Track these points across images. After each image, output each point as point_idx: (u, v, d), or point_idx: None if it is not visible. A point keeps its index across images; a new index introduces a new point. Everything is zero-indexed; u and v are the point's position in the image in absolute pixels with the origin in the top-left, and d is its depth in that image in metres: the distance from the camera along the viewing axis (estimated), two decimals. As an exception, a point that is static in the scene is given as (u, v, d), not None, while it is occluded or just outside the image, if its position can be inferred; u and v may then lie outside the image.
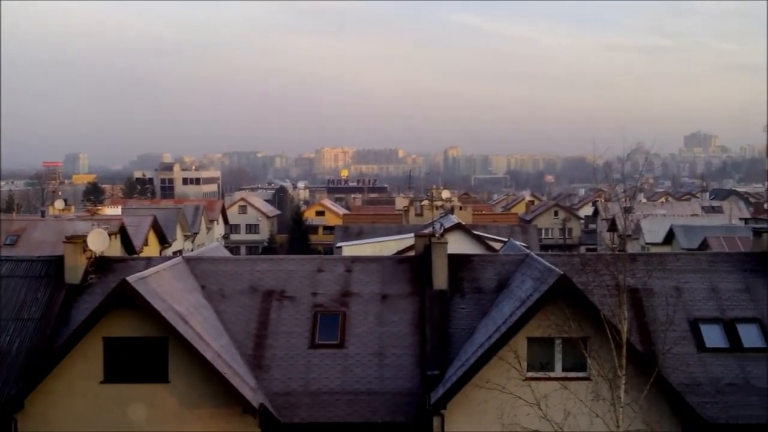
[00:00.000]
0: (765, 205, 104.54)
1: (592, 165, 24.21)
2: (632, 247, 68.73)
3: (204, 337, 22.00)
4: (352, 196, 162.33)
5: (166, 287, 23.08)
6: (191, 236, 76.94)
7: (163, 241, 62.46)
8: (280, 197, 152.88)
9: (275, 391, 22.46)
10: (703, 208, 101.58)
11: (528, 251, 29.05)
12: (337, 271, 26.21)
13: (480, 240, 44.66)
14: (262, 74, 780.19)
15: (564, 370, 21.42)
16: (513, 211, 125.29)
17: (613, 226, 73.41)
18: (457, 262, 25.85)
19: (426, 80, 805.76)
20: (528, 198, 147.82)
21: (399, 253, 38.64)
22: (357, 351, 23.49)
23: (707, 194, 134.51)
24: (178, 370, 21.51)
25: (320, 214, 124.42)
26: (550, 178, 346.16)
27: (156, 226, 60.67)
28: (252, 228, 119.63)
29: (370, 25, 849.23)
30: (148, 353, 21.63)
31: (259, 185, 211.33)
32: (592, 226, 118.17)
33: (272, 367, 23.11)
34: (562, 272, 21.11)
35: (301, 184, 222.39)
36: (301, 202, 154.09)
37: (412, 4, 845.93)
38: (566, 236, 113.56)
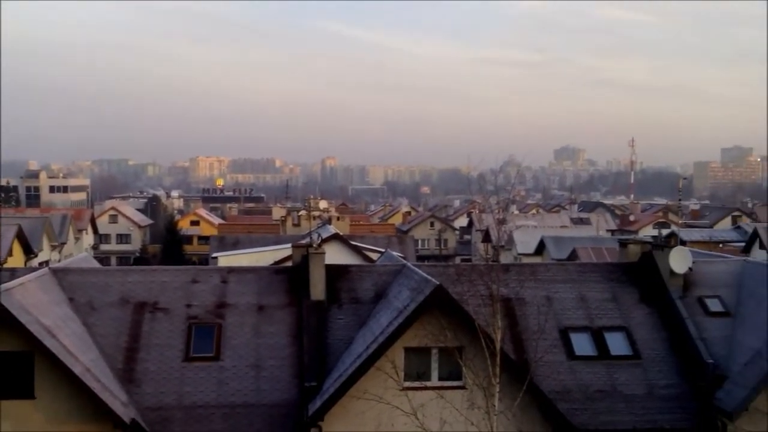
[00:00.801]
0: (630, 217, 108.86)
1: (467, 177, 24.60)
2: (505, 258, 70.33)
3: (72, 351, 21.18)
4: (228, 205, 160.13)
5: (32, 299, 22.13)
6: (58, 246, 74.19)
7: (29, 252, 59.97)
8: (152, 206, 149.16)
9: (147, 405, 21.83)
10: (572, 219, 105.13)
11: (405, 262, 29.30)
12: (213, 282, 25.75)
13: (357, 250, 44.79)
14: (133, 80, 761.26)
15: (440, 379, 21.66)
16: (390, 221, 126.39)
17: (487, 237, 75.00)
18: (335, 272, 25.81)
19: (304, 90, 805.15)
20: (405, 209, 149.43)
21: (276, 263, 38.34)
22: (233, 363, 23.11)
23: (576, 206, 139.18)
24: (44, 386, 20.64)
25: (195, 223, 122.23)
26: (426, 189, 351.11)
27: (21, 236, 58.21)
28: (123, 238, 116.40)
29: (244, 34, 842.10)
30: (13, 368, 20.65)
31: (131, 194, 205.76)
32: (467, 236, 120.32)
33: (144, 381, 22.46)
34: (438, 283, 21.33)
35: (175, 193, 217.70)
36: (175, 212, 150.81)
37: (288, 13, 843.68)
38: (442, 247, 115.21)
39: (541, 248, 70.78)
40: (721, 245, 69.44)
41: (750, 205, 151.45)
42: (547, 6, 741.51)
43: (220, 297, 25.16)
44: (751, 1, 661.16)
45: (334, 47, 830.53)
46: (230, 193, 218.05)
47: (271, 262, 39.59)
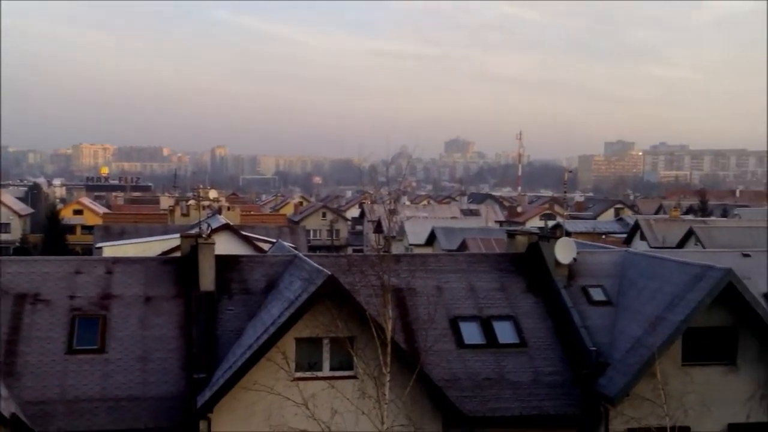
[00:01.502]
0: (518, 209, 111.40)
1: (359, 168, 24.62)
2: (396, 248, 70.84)
3: (-54, 345, 20.22)
4: (114, 194, 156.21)
5: None
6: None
7: None
8: (33, 195, 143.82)
9: (28, 399, 21.05)
10: (462, 211, 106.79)
11: (296, 252, 29.15)
12: (97, 273, 25.00)
13: (248, 241, 44.30)
14: (12, 63, 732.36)
15: (332, 369, 21.65)
16: (282, 212, 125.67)
17: (378, 228, 75.44)
18: (225, 263, 25.44)
19: (193, 77, 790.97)
20: (296, 199, 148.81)
21: (164, 254, 37.51)
22: (118, 356, 22.52)
23: (465, 198, 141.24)
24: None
25: (78, 213, 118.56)
26: (318, 179, 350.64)
27: None
28: (2, 227, 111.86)
29: (132, 18, 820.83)
30: None
31: (10, 182, 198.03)
32: (358, 227, 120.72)
33: (25, 374, 21.64)
34: (329, 273, 21.28)
35: (57, 182, 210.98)
36: (58, 201, 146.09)
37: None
38: (334, 237, 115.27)
39: (431, 239, 71.61)
40: (604, 236, 71.77)
41: (632, 198, 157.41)
42: (443, 2, 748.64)
43: (105, 288, 24.46)
44: (642, 1, 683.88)
45: (226, 36, 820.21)
46: (115, 182, 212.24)
47: (159, 252, 38.72)
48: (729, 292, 22.75)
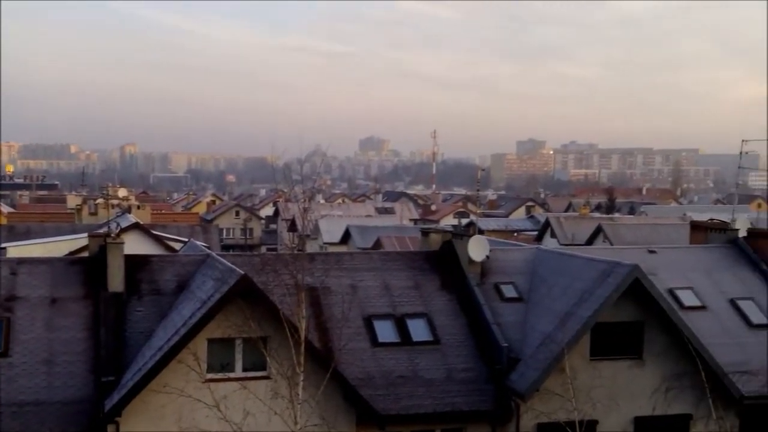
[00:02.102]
0: (432, 207, 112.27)
1: (273, 166, 24.43)
2: (311, 247, 70.61)
3: None
4: (19, 193, 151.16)
5: None
6: None
7: None
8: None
9: (-75, 408, 20.23)
10: (376, 209, 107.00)
11: (209, 251, 28.74)
12: (1, 274, 24.18)
13: (159, 240, 43.49)
14: None
15: (244, 370, 21.42)
16: (194, 210, 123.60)
17: (293, 226, 75.03)
18: (135, 263, 24.90)
19: (100, 73, 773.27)
20: (209, 198, 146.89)
21: (71, 254, 36.52)
22: (23, 359, 21.81)
23: (380, 196, 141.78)
24: None
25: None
26: (231, 177, 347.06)
27: None
28: None
29: (34, 10, 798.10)
30: None
31: None
32: (272, 226, 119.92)
33: None
34: (242, 272, 21.05)
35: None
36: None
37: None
38: (247, 236, 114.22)
39: (346, 237, 71.54)
40: (516, 234, 72.82)
41: (543, 196, 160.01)
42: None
43: (9, 290, 23.67)
44: (551, 1, 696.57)
45: (132, 29, 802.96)
46: (21, 180, 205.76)
47: (66, 252, 37.67)
48: (636, 288, 23.34)
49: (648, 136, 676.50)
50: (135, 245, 36.80)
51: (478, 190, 48.48)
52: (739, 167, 35.18)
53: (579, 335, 22.77)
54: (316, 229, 75.94)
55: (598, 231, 61.05)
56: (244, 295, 20.94)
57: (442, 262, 27.50)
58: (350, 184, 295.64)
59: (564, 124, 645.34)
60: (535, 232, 73.53)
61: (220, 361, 21.22)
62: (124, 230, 37.24)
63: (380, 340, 24.33)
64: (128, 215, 52.47)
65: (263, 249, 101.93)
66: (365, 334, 24.40)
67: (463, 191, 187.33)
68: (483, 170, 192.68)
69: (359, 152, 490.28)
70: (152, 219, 68.24)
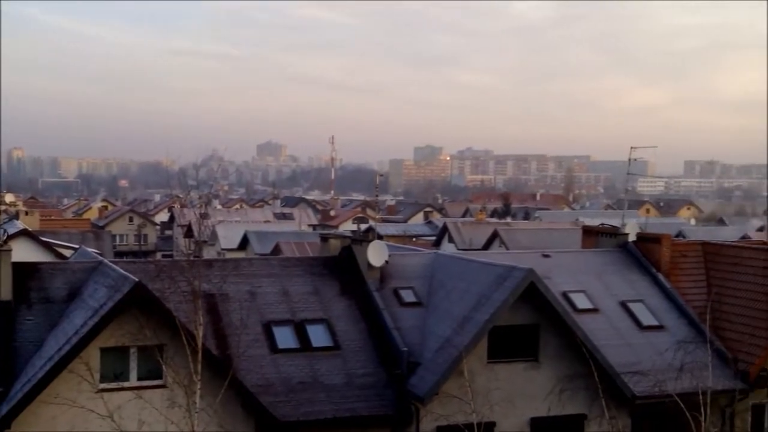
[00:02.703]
0: (331, 213, 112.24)
1: (168, 171, 23.98)
2: (208, 253, 69.57)
3: None
4: None
5: None
6: None
7: None
8: None
9: None
10: (275, 214, 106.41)
11: (101, 258, 28.03)
12: None
13: (49, 247, 42.24)
14: None
15: (139, 379, 20.91)
16: (85, 216, 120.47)
17: (189, 232, 73.62)
18: (23, 271, 23.97)
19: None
20: (101, 203, 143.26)
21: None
22: None
23: (279, 202, 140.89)
24: None
25: None
26: (124, 182, 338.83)
27: None
28: None
29: None
30: None
31: None
32: (168, 232, 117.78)
33: None
34: (137, 279, 20.60)
35: None
36: None
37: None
38: (142, 242, 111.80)
39: (244, 243, 70.90)
40: (414, 239, 73.48)
41: (440, 201, 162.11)
42: (244, 1, 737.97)
43: None
44: (446, 8, 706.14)
45: (16, 29, 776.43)
46: None
47: (-51, 260, 36.12)
48: (531, 292, 23.79)
49: (542, 143, 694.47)
50: (23, 253, 35.53)
51: (376, 196, 48.63)
52: (628, 173, 36.25)
53: (477, 339, 23.07)
54: (214, 235, 74.91)
55: (495, 236, 62.22)
56: (139, 302, 20.47)
57: (342, 267, 27.47)
58: (248, 189, 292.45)
59: (460, 131, 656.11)
60: (434, 237, 74.37)
61: (113, 371, 20.64)
62: (11, 237, 35.85)
63: (280, 346, 24.11)
64: (16, 221, 50.65)
65: (158, 255, 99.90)
66: (264, 341, 24.14)
67: (361, 197, 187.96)
68: (381, 176, 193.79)
69: (257, 157, 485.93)
70: (41, 225, 66.23)
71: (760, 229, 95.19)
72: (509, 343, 24.04)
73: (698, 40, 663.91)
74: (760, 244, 34.93)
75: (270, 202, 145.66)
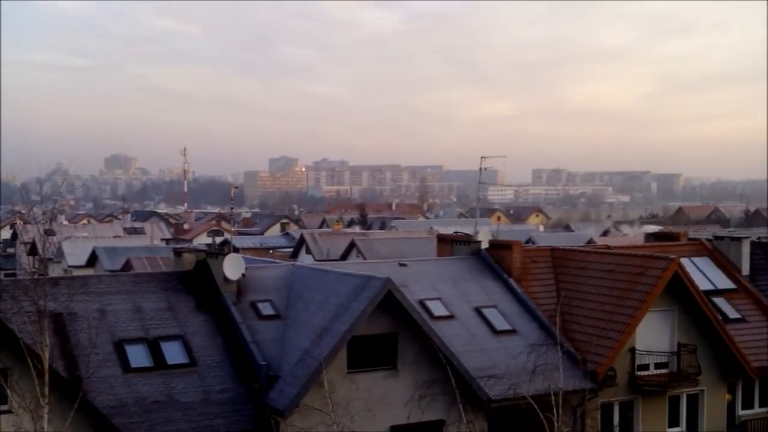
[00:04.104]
0: (185, 226, 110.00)
1: (9, 186, 22.86)
2: (54, 271, 66.74)
3: None
4: None
5: None
6: None
7: None
8: None
9: None
10: (125, 229, 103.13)
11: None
12: None
13: None
14: None
15: (-17, 405, 19.82)
16: None
17: (33, 250, 70.47)
18: None
19: None
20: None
21: None
22: None
23: (129, 216, 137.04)
24: None
25: None
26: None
27: None
28: None
29: None
30: None
31: None
32: (10, 249, 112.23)
33: None
34: (-24, 300, 19.48)
35: None
36: None
37: None
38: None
39: (93, 260, 68.32)
40: (271, 251, 72.90)
41: (297, 213, 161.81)
42: (89, 10, 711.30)
43: None
44: (298, 20, 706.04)
45: None
46: None
47: None
48: (389, 300, 23.98)
49: (396, 154, 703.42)
50: None
51: (231, 208, 48.06)
52: (479, 182, 37.17)
53: (336, 349, 23.03)
54: (60, 252, 71.96)
55: (352, 246, 62.39)
56: (-21, 325, 19.36)
57: (197, 282, 26.89)
58: (96, 204, 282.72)
59: (315, 142, 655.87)
60: (291, 249, 73.97)
61: (-48, 399, 19.47)
62: None
63: (133, 365, 23.35)
64: None
65: (1, 274, 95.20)
66: (116, 360, 23.33)
67: (216, 209, 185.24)
68: (236, 188, 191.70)
69: (105, 170, 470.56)
70: None
71: (604, 234, 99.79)
72: (368, 353, 24.14)
73: (542, 53, 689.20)
74: (604, 248, 36.46)
75: (120, 216, 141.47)
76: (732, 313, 31.76)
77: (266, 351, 24.47)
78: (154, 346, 24.12)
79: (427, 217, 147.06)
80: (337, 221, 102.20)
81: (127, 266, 57.73)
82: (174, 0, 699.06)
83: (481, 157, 35.77)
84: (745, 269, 34.40)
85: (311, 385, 22.47)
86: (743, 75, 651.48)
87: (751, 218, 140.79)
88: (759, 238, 40.81)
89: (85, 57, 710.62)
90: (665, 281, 28.16)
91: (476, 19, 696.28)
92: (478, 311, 28.72)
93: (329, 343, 23.08)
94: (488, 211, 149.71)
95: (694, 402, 29.42)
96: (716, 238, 36.89)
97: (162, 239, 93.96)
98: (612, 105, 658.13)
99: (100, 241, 76.96)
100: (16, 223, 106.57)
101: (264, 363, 23.86)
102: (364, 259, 54.80)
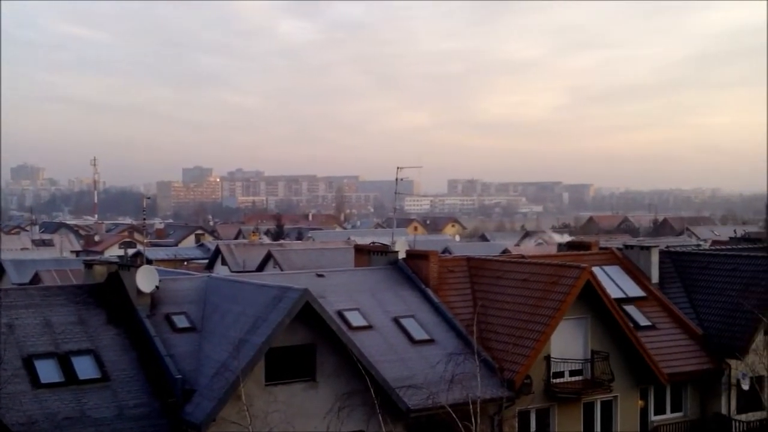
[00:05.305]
0: (96, 238, 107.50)
1: None
2: (-42, 284, 64.51)
3: None
4: None
5: None
6: None
7: None
8: None
9: None
10: (33, 241, 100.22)
11: None
12: None
13: None
14: None
15: None
16: None
17: (-65, 263, 67.93)
18: None
19: None
20: None
21: None
22: None
23: (37, 227, 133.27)
24: None
25: None
26: None
27: None
28: None
29: None
30: None
31: None
32: None
33: None
34: None
35: None
36: None
37: None
38: None
39: (1, 273, 66.28)
40: (186, 263, 71.88)
41: (212, 223, 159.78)
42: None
43: None
44: (210, 28, 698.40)
45: None
46: None
47: None
48: (307, 312, 23.85)
49: (312, 164, 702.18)
50: None
51: (144, 219, 47.15)
52: (396, 193, 37.36)
53: (253, 362, 22.79)
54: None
55: (269, 257, 62.00)
56: None
57: (109, 294, 26.33)
58: (2, 215, 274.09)
59: (229, 152, 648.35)
60: (206, 260, 73.05)
61: None
62: None
63: (42, 380, 22.70)
64: None
65: None
66: (25, 376, 22.64)
67: (128, 220, 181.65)
68: (149, 198, 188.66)
69: (12, 181, 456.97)
70: None
71: (518, 244, 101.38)
72: (287, 365, 23.98)
73: (457, 65, 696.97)
74: (519, 257, 37.01)
75: (27, 228, 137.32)
76: (642, 321, 32.63)
77: (182, 364, 24.05)
78: (64, 361, 23.49)
79: (345, 228, 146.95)
80: (253, 232, 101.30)
81: (36, 279, 56.09)
82: (83, 3, 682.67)
83: (397, 168, 35.96)
84: (655, 277, 35.39)
85: (228, 398, 22.17)
86: (648, 89, 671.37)
87: (659, 227, 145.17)
88: (667, 246, 42.14)
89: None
90: (578, 289, 28.71)
91: (392, 31, 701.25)
92: (396, 321, 28.79)
93: (246, 355, 22.80)
94: (405, 222, 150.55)
95: (608, 408, 30.04)
96: (626, 247, 37.88)
97: (72, 251, 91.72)
98: (526, 117, 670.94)
99: (7, 254, 74.62)
100: None
101: (179, 376, 23.44)
102: (281, 270, 54.50)
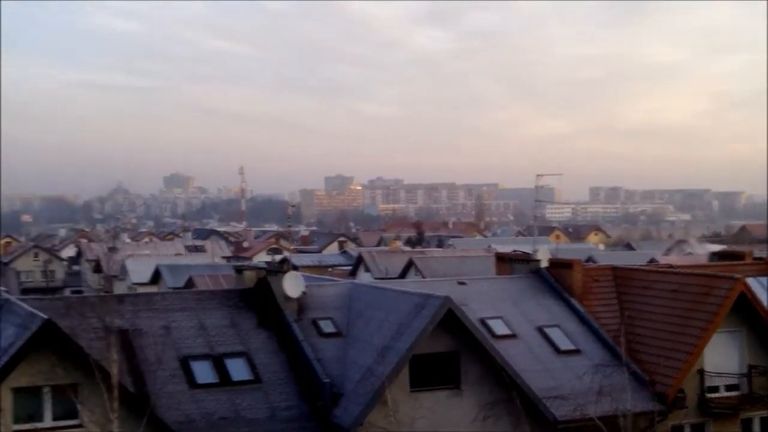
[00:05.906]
0: (244, 244, 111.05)
1: (72, 205, 23.44)
2: (119, 288, 67.95)
3: None
4: None
5: None
6: None
7: None
8: None
9: None
10: (186, 247, 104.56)
11: (7, 296, 27.02)
12: None
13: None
14: None
15: (55, 419, 20.26)
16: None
17: (98, 267, 72.00)
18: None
19: None
20: (4, 239, 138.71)
21: None
22: None
23: (190, 234, 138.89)
24: None
25: None
26: (27, 217, 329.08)
27: None
28: None
29: None
30: None
31: None
32: (76, 267, 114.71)
33: None
34: (46, 317, 19.97)
35: None
36: None
37: None
38: (49, 279, 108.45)
39: (156, 277, 69.45)
40: (330, 269, 73.19)
41: (354, 231, 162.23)
42: (146, 32, 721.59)
43: None
44: (348, 40, 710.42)
45: None
46: None
47: None
48: (449, 319, 23.87)
49: (451, 172, 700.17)
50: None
51: (289, 226, 48.42)
52: (536, 200, 36.92)
53: (398, 368, 22.99)
54: (124, 270, 73.25)
55: (410, 264, 62.35)
56: (50, 341, 19.79)
57: (258, 299, 27.10)
58: (157, 222, 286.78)
59: (370, 160, 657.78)
60: (349, 267, 74.20)
61: (27, 411, 19.94)
62: None
63: (198, 381, 23.59)
64: None
65: (67, 291, 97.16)
66: (182, 376, 23.59)
67: (274, 227, 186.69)
68: (293, 206, 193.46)
69: (165, 189, 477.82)
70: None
71: (666, 253, 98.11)
72: (431, 372, 24.03)
73: (595, 71, 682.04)
74: (667, 267, 35.87)
75: (180, 234, 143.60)
76: (803, 334, 30.99)
77: (329, 368, 24.53)
78: (218, 363, 24.35)
79: (485, 236, 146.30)
80: (394, 239, 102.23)
81: (190, 283, 58.53)
82: (225, 19, 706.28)
83: (537, 175, 35.55)
84: (815, 289, 33.55)
85: (375, 403, 22.44)
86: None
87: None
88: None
89: (144, 79, 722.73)
90: (731, 301, 27.55)
91: (526, 38, 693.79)
92: (540, 330, 28.42)
93: (391, 361, 23.04)
94: (546, 230, 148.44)
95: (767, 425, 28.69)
96: (784, 257, 36.11)
97: (222, 257, 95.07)
98: (669, 122, 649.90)
99: (163, 259, 78.17)
100: (80, 241, 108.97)
101: (327, 380, 23.91)
102: (423, 277, 54.69)
